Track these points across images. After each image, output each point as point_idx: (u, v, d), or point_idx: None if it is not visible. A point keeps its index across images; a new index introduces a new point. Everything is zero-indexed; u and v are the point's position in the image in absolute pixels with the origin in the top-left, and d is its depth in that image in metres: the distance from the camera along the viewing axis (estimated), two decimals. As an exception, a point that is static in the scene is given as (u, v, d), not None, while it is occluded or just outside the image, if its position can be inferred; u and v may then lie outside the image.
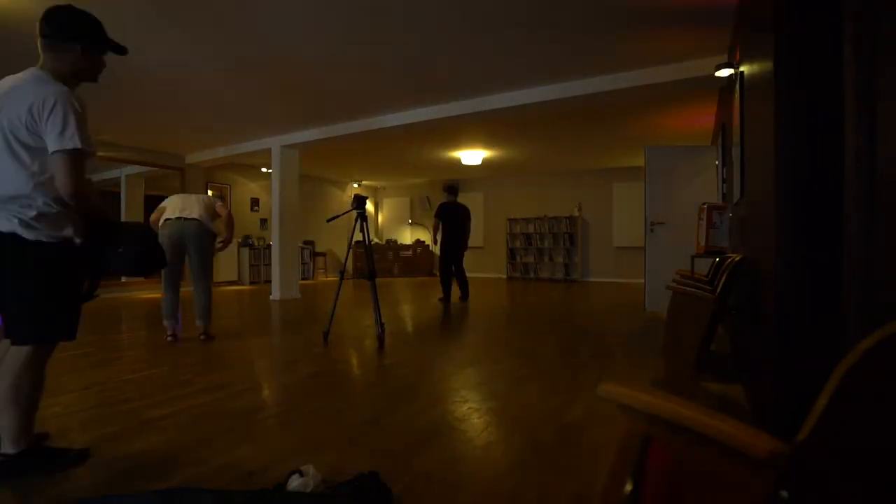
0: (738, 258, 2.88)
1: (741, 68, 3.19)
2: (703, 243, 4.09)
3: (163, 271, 3.93)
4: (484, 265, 11.84)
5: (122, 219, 8.21)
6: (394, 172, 11.50)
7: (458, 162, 9.54)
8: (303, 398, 2.56)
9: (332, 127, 6.80)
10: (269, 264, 9.69)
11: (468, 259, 7.25)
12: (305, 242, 11.05)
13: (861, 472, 0.63)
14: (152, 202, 8.69)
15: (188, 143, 8.00)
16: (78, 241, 1.72)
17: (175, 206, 3.98)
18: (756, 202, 2.42)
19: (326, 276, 11.89)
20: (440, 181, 12.36)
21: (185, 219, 3.87)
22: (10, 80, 1.77)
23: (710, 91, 4.93)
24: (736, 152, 3.26)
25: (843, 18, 1.47)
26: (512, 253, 11.42)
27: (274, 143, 7.55)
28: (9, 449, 1.64)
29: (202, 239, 3.89)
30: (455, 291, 6.85)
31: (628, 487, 0.87)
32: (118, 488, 1.59)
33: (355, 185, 12.78)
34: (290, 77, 4.94)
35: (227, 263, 9.81)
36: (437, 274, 7.47)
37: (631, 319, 5.14)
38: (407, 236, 13.01)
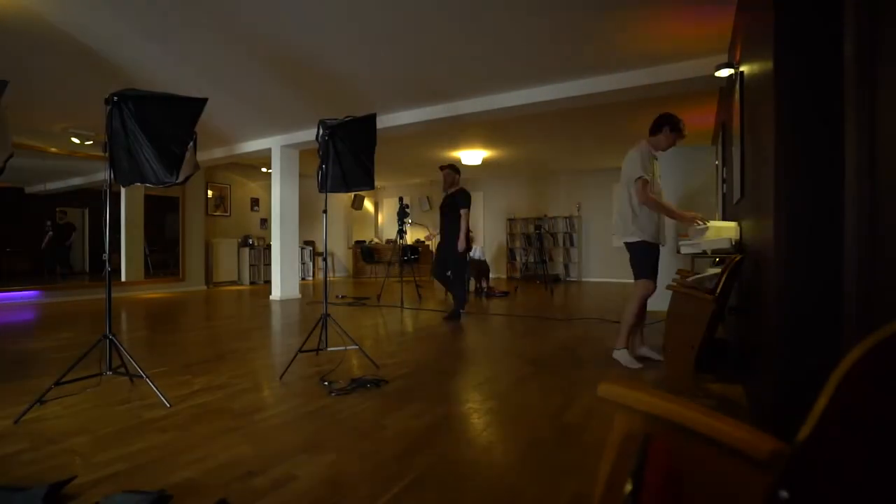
0: (738, 258, 2.88)
1: (741, 68, 3.19)
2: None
3: None
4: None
5: (122, 219, 8.22)
6: (394, 172, 11.50)
7: (458, 162, 9.53)
8: (303, 398, 2.56)
9: (332, 127, 6.80)
10: (269, 264, 9.69)
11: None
12: (305, 242, 11.05)
13: (861, 473, 0.62)
14: (152, 202, 8.72)
15: (188, 143, 7.99)
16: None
17: None
18: (756, 202, 2.42)
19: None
20: (440, 181, 12.36)
21: None
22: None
23: (710, 91, 4.93)
24: (736, 152, 3.26)
25: (844, 17, 1.47)
26: (512, 253, 11.43)
27: (274, 143, 7.55)
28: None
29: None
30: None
31: (628, 487, 0.87)
32: (118, 488, 1.59)
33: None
34: (290, 77, 4.94)
35: (226, 263, 9.82)
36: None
37: (631, 319, 5.13)
38: (407, 236, 13.00)
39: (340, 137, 3.34)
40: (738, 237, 3.28)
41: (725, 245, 3.26)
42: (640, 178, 3.08)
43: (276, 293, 7.52)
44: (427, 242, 9.91)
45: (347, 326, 4.80)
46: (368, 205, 13.40)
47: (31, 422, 2.22)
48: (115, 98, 2.47)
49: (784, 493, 0.64)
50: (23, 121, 6.55)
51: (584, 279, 10.81)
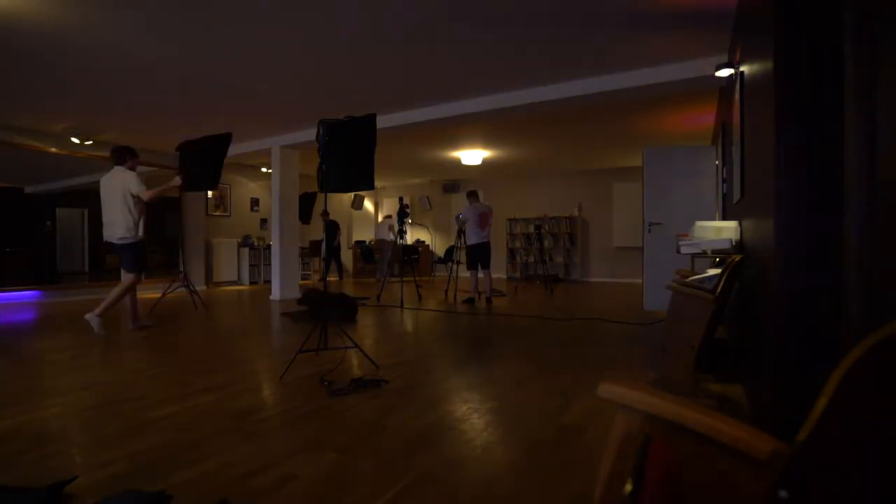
0: (738, 258, 2.88)
1: (741, 68, 3.19)
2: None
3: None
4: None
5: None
6: (394, 172, 11.49)
7: (458, 162, 9.53)
8: (303, 398, 2.56)
9: (332, 127, 6.80)
10: (269, 264, 9.69)
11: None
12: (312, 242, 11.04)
13: (861, 473, 0.62)
14: (152, 202, 8.69)
15: (188, 143, 7.99)
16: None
17: None
18: (756, 202, 2.42)
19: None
20: (440, 181, 12.37)
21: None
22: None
23: (710, 91, 4.93)
24: (736, 152, 3.26)
25: (843, 18, 1.47)
26: (512, 253, 11.43)
27: (274, 143, 7.55)
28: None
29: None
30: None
31: (628, 487, 0.87)
32: (118, 489, 1.59)
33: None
34: (290, 77, 4.94)
35: (227, 264, 9.81)
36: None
37: (630, 319, 5.15)
38: (407, 236, 13.00)
39: (340, 137, 3.35)
40: (738, 237, 3.28)
41: (725, 245, 3.26)
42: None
43: (275, 293, 7.52)
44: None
45: (347, 326, 4.80)
46: (368, 205, 13.40)
47: (32, 422, 2.23)
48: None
49: (784, 493, 0.64)
50: (23, 121, 6.55)
51: (584, 279, 10.81)
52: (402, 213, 7.46)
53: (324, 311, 4.63)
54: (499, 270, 11.73)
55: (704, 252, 3.46)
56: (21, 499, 1.51)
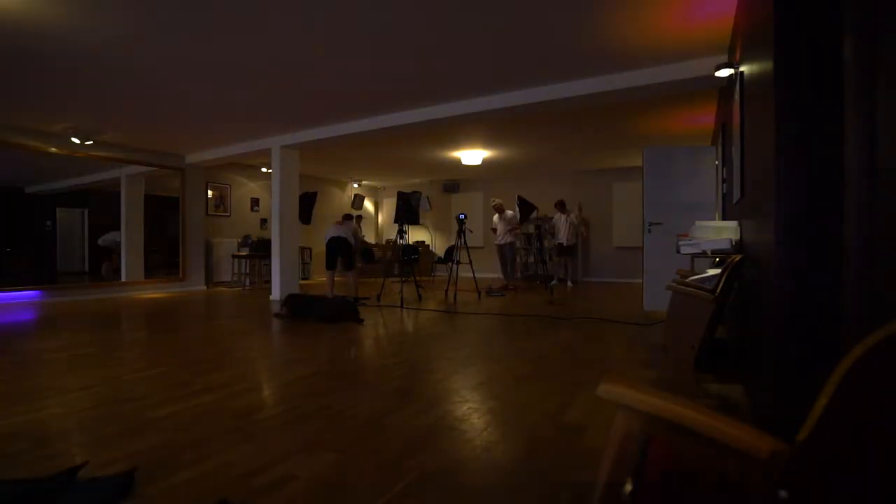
0: (738, 258, 2.89)
1: (741, 68, 3.19)
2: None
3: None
4: (485, 265, 11.84)
5: (123, 219, 8.25)
6: (394, 172, 11.49)
7: (458, 162, 9.53)
8: (303, 398, 2.56)
9: (332, 127, 6.80)
10: (269, 264, 9.68)
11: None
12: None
13: (861, 473, 0.62)
14: (152, 202, 8.71)
15: (188, 143, 8.00)
16: None
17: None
18: (756, 202, 2.42)
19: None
20: (440, 181, 12.36)
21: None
22: None
23: (710, 91, 4.93)
24: (736, 152, 3.26)
25: (843, 18, 1.47)
26: (512, 253, 11.41)
27: (274, 143, 7.54)
28: None
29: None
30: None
31: (628, 487, 0.87)
32: (118, 488, 1.59)
33: (355, 185, 12.76)
34: (290, 77, 4.93)
35: (226, 263, 9.81)
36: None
37: (630, 319, 5.14)
38: (408, 236, 12.98)
39: None
40: (738, 237, 3.28)
41: (725, 245, 3.26)
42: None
43: (275, 293, 7.52)
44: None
45: (347, 326, 4.80)
46: (368, 205, 13.39)
47: (32, 422, 2.23)
48: None
49: (784, 493, 0.64)
50: (23, 121, 6.55)
51: (584, 279, 10.80)
52: (402, 211, 7.47)
53: (304, 314, 5.20)
54: (498, 270, 11.71)
55: (704, 252, 3.47)
56: (29, 489, 1.52)
